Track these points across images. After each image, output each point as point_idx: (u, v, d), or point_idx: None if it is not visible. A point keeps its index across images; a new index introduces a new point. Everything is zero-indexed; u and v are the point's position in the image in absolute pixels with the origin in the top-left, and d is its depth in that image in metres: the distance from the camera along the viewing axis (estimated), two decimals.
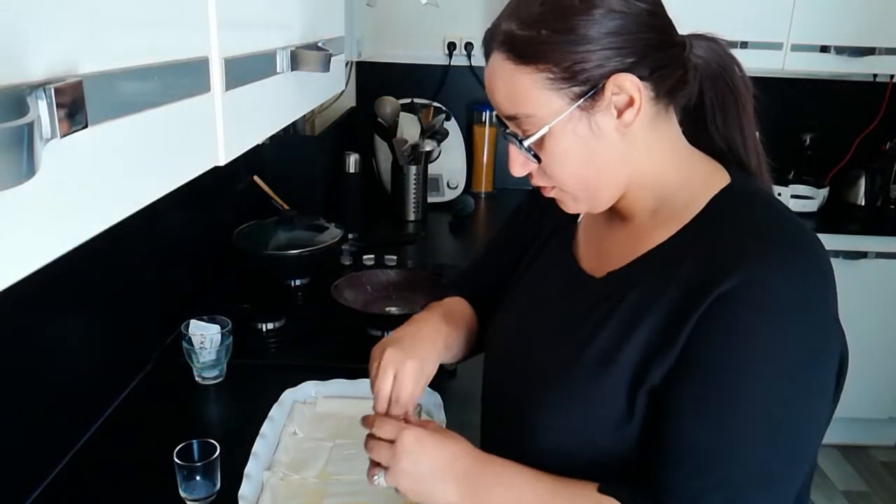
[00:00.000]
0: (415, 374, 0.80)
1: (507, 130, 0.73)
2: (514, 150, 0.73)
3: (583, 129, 0.69)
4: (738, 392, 0.64)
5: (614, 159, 0.71)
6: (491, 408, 0.91)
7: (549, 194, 0.76)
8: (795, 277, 0.64)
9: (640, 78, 0.67)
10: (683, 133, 0.76)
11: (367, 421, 0.78)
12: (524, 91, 0.68)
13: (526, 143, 0.70)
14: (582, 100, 0.67)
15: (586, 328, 0.74)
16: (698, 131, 0.77)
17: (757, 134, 0.78)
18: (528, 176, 0.75)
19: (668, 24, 0.71)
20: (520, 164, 0.74)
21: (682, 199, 0.73)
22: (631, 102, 0.67)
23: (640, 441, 0.70)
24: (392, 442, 0.73)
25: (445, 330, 0.89)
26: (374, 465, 0.75)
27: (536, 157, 0.71)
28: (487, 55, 0.72)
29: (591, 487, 0.69)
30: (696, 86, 0.74)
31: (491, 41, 0.71)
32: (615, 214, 0.79)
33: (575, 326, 0.75)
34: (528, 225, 0.94)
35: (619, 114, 0.68)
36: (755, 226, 0.68)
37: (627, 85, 0.66)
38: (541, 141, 0.70)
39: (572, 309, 0.77)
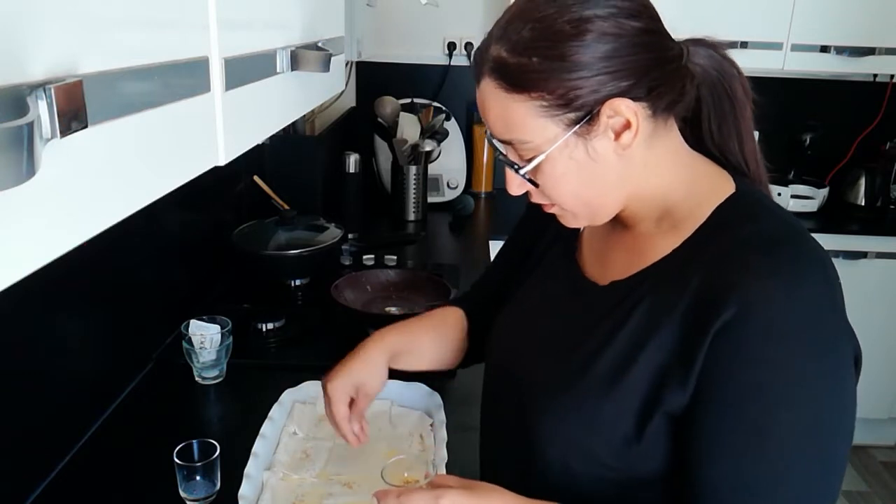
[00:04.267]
0: (340, 392, 0.90)
1: (502, 156, 0.71)
2: (510, 170, 0.72)
3: (580, 153, 0.67)
4: (766, 422, 0.62)
5: (613, 179, 0.69)
6: (491, 416, 0.89)
7: (550, 210, 0.75)
8: (800, 291, 0.63)
9: (637, 99, 0.65)
10: (686, 139, 0.74)
11: (384, 496, 0.70)
12: (518, 118, 0.66)
13: (522, 171, 0.69)
14: (577, 126, 0.65)
15: (592, 342, 0.72)
16: (697, 137, 0.76)
17: (756, 139, 0.76)
18: (527, 194, 0.74)
19: (663, 39, 0.68)
20: (517, 185, 0.72)
21: (686, 208, 0.71)
22: (628, 125, 0.65)
23: (649, 462, 0.68)
24: None
25: (394, 341, 0.95)
26: None
27: (533, 181, 0.70)
28: (478, 78, 0.69)
29: None
30: (694, 93, 0.72)
31: (481, 64, 0.69)
32: (618, 221, 0.78)
33: (579, 338, 0.74)
34: (531, 231, 0.93)
35: (617, 136, 0.66)
36: (759, 238, 0.66)
37: (623, 108, 0.64)
38: (537, 166, 0.68)
39: (575, 318, 0.76)
